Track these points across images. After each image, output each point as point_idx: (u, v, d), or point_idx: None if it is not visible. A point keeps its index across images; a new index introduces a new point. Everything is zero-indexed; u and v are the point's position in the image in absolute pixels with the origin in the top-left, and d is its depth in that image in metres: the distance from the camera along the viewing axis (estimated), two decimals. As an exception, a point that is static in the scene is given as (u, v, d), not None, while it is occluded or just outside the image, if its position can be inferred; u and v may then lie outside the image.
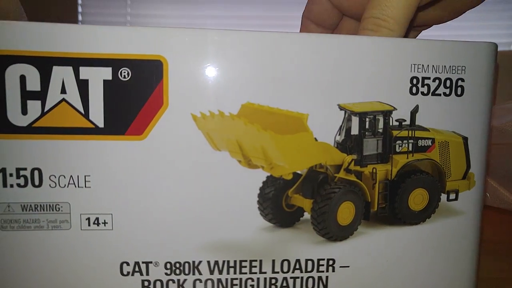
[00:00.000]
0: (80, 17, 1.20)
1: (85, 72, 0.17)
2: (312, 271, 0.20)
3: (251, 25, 1.15)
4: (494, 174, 0.31)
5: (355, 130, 0.19)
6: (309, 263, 0.20)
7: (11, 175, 0.18)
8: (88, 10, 1.20)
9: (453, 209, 0.20)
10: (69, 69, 0.17)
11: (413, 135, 0.20)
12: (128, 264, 0.19)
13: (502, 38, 1.22)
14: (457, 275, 0.21)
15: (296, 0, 1.15)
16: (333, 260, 0.20)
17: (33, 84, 0.17)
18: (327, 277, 0.20)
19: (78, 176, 0.18)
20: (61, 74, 0.17)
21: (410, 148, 0.20)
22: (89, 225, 0.18)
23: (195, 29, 0.18)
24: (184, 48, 0.18)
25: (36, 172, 0.18)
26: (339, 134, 0.19)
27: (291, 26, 1.18)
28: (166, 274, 0.19)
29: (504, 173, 0.31)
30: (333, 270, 0.20)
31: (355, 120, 0.19)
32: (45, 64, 0.17)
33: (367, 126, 0.19)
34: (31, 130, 0.17)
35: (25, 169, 0.18)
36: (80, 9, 1.20)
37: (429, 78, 0.19)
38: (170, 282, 0.19)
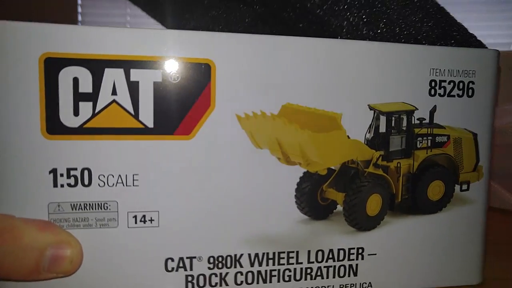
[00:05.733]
0: (80, 17, 1.16)
1: (136, 74, 0.18)
2: (343, 259, 0.22)
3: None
4: (495, 175, 0.33)
5: (383, 128, 0.21)
6: (341, 252, 0.21)
7: (61, 175, 0.18)
8: (88, 10, 1.17)
9: (464, 198, 0.23)
10: (120, 71, 0.18)
11: (431, 132, 0.22)
12: (172, 260, 0.20)
13: (502, 38, 1.21)
14: (469, 259, 0.23)
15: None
16: (362, 248, 0.22)
17: (86, 86, 0.18)
18: (357, 265, 0.22)
19: (126, 175, 0.19)
20: (113, 76, 0.18)
21: (429, 144, 0.22)
22: (135, 222, 0.19)
23: (242, 34, 0.19)
24: (232, 52, 0.19)
25: (86, 172, 0.18)
26: (369, 132, 0.21)
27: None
28: (209, 268, 0.20)
29: (504, 174, 0.33)
30: (362, 258, 0.22)
31: (383, 119, 0.21)
32: (97, 67, 0.18)
33: (393, 125, 0.21)
34: (82, 130, 0.18)
35: (75, 169, 0.18)
36: (80, 9, 1.16)
37: (445, 81, 0.21)
38: (213, 276, 0.20)
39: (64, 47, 0.17)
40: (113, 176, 0.18)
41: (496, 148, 0.34)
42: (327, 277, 0.21)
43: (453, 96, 0.22)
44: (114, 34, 0.18)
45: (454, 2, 1.23)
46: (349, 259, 0.22)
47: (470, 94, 0.22)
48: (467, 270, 0.23)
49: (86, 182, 0.18)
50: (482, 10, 1.20)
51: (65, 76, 0.17)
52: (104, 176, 0.18)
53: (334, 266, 0.21)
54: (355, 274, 0.22)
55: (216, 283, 0.20)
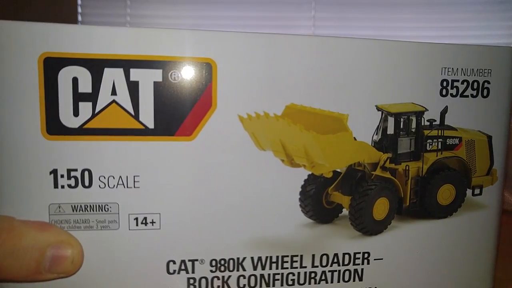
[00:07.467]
0: (80, 18, 1.18)
1: (136, 74, 0.18)
2: (348, 264, 0.21)
3: (252, 26, 1.16)
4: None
5: (391, 130, 0.20)
6: (346, 256, 0.21)
7: (62, 176, 0.18)
8: (88, 10, 1.19)
9: (477, 203, 0.22)
10: (120, 71, 0.18)
11: (442, 134, 0.21)
12: (174, 262, 0.19)
13: (502, 38, 1.20)
14: (480, 265, 0.22)
15: (295, 1, 1.16)
16: (368, 253, 0.21)
17: (85, 86, 0.17)
18: (362, 269, 0.21)
19: (127, 177, 0.18)
20: (112, 76, 0.18)
21: (439, 146, 0.21)
22: (137, 225, 0.19)
23: (243, 32, 0.18)
24: (233, 51, 0.18)
25: (86, 173, 0.18)
26: (376, 134, 0.20)
27: (290, 27, 1.18)
28: (211, 271, 0.20)
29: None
30: (368, 263, 0.21)
31: (391, 121, 0.20)
32: (97, 66, 0.17)
33: (401, 126, 0.21)
34: (82, 131, 0.18)
35: (75, 170, 0.18)
36: (80, 10, 1.17)
37: (458, 81, 0.20)
38: (215, 279, 0.20)
39: (63, 47, 0.17)
40: (113, 178, 0.18)
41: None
42: (332, 282, 0.21)
43: (467, 96, 0.21)
44: (114, 33, 0.17)
45: (454, 2, 1.20)
46: (354, 264, 0.21)
47: (485, 94, 0.21)
48: (478, 276, 0.22)
49: (87, 184, 0.18)
50: (481, 10, 1.19)
51: (65, 76, 0.17)
52: (104, 177, 0.18)
53: (339, 271, 0.21)
54: (360, 279, 0.21)
55: (219, 286, 0.20)
